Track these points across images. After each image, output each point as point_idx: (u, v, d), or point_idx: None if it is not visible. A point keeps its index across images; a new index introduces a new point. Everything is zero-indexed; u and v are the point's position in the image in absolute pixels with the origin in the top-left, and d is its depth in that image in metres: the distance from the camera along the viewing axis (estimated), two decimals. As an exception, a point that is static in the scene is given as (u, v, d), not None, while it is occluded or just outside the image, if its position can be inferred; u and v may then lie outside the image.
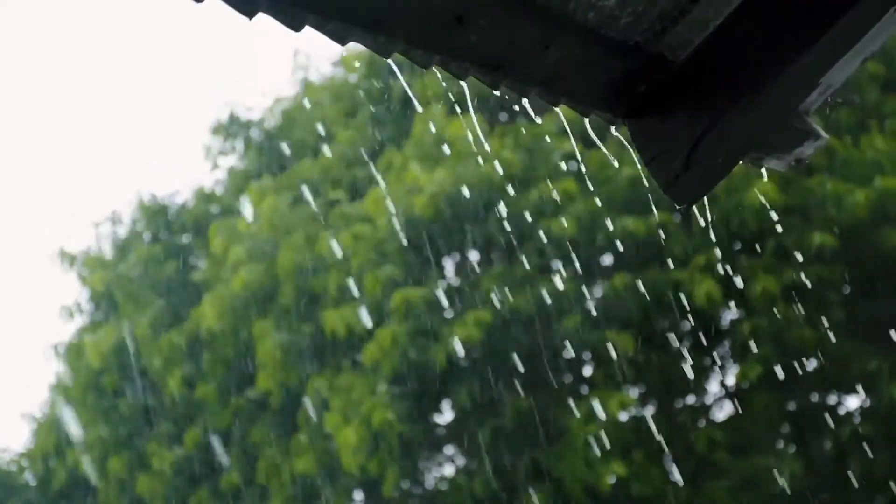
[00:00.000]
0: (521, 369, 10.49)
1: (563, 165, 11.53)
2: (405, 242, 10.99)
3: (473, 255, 11.92)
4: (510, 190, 11.02)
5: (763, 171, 2.48)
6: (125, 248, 14.75)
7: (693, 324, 11.32)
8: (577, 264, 10.73)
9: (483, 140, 11.33)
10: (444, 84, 11.63)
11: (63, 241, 17.45)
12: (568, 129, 10.87)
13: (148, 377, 13.41)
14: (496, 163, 11.09)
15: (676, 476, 11.08)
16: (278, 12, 1.63)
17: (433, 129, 11.53)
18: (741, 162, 2.30)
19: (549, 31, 1.91)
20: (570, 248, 10.75)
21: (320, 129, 13.15)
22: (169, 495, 12.90)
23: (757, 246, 10.88)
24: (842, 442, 11.07)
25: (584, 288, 11.01)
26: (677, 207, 2.20)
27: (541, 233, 10.68)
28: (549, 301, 10.60)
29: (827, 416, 11.43)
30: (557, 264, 11.15)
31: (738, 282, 10.65)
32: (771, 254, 10.76)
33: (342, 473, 11.40)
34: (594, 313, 10.87)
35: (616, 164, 10.64)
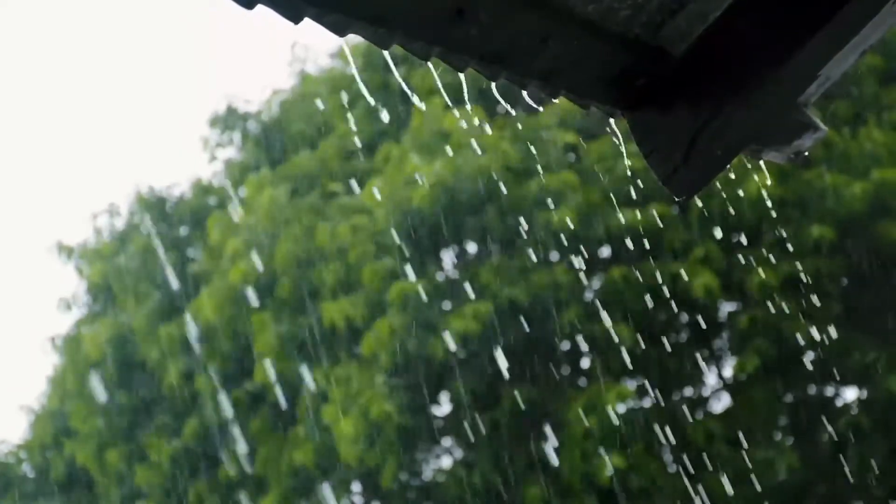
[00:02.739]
0: (520, 361, 10.49)
1: (564, 157, 11.54)
2: (398, 235, 10.99)
3: (471, 247, 11.92)
4: (509, 181, 11.02)
5: (761, 163, 2.49)
6: (123, 241, 14.75)
7: (691, 316, 11.33)
8: (576, 256, 10.74)
9: (481, 131, 11.32)
10: (437, 77, 11.59)
11: (61, 234, 17.48)
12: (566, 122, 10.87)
13: (146, 369, 13.41)
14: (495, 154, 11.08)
15: (674, 468, 11.10)
16: (277, 4, 1.63)
17: (432, 121, 11.53)
18: (740, 154, 2.30)
19: (548, 24, 1.91)
20: (569, 240, 10.76)
21: (318, 121, 13.15)
22: (167, 487, 12.90)
23: (755, 238, 10.89)
24: (839, 434, 11.08)
25: (582, 279, 11.02)
26: (676, 200, 2.20)
27: (538, 224, 10.69)
28: (547, 293, 10.61)
29: (825, 408, 11.45)
30: (555, 255, 11.16)
31: (736, 274, 10.66)
32: (769, 246, 10.77)
33: (340, 465, 11.41)
34: (592, 305, 10.88)
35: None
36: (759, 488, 10.62)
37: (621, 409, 11.02)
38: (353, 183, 11.99)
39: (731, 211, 10.54)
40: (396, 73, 12.02)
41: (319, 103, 13.41)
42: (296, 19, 1.65)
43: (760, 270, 10.50)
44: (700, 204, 10.45)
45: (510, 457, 11.06)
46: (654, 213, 10.61)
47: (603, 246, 11.46)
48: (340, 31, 1.69)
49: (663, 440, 11.04)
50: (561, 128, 11.28)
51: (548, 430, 10.79)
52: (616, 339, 10.58)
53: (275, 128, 14.02)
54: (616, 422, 10.61)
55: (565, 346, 11.45)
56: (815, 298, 10.75)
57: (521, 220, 10.90)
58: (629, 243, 10.79)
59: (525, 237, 10.98)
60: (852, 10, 2.07)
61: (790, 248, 10.69)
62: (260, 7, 1.63)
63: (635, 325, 10.74)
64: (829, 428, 11.11)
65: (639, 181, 10.21)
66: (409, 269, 10.84)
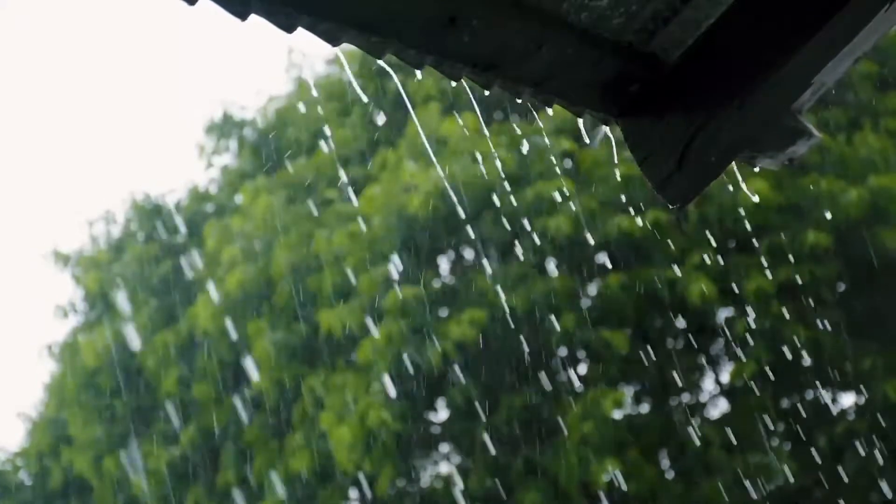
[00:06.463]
0: (516, 368, 10.48)
1: (559, 163, 11.53)
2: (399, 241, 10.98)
3: (468, 254, 11.91)
4: (505, 188, 11.02)
5: (756, 169, 2.49)
6: (119, 248, 14.73)
7: (687, 322, 11.33)
8: (572, 263, 10.74)
9: (478, 138, 11.31)
10: (433, 83, 11.62)
11: (57, 241, 17.46)
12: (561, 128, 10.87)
13: (143, 377, 13.39)
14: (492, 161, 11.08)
15: (671, 474, 11.10)
16: (271, 13, 1.63)
17: (428, 128, 11.52)
18: (734, 161, 2.30)
19: (541, 32, 1.91)
20: (565, 247, 10.76)
21: (315, 127, 13.15)
22: (164, 495, 12.88)
23: (751, 244, 10.88)
24: (836, 439, 11.07)
25: (578, 286, 11.01)
26: (670, 207, 2.20)
27: (535, 231, 10.68)
28: (543, 299, 10.60)
29: (821, 413, 11.44)
30: (552, 262, 11.15)
31: (733, 280, 10.66)
32: (765, 252, 10.77)
33: (337, 472, 11.39)
34: (589, 312, 10.88)
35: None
36: (755, 494, 10.62)
37: (618, 415, 11.01)
38: (350, 190, 11.98)
39: (728, 217, 10.54)
40: (396, 80, 12.01)
41: (316, 110, 13.41)
42: (289, 29, 1.65)
43: (756, 276, 10.50)
44: (696, 210, 10.45)
45: (507, 463, 11.05)
46: (651, 219, 10.62)
47: (599, 252, 11.46)
48: (334, 41, 1.70)
49: (660, 446, 11.03)
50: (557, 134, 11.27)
51: (544, 436, 10.78)
52: (613, 346, 10.58)
53: (271, 134, 14.01)
54: (613, 428, 10.61)
55: (562, 352, 11.44)
56: (811, 304, 10.75)
57: (518, 226, 10.89)
58: (626, 250, 10.79)
59: (522, 244, 10.97)
60: (846, 17, 2.07)
61: (786, 253, 10.69)
62: (254, 17, 1.64)
63: (632, 331, 10.74)
64: (827, 433, 11.11)
65: (634, 187, 10.22)
66: (396, 274, 10.83)
